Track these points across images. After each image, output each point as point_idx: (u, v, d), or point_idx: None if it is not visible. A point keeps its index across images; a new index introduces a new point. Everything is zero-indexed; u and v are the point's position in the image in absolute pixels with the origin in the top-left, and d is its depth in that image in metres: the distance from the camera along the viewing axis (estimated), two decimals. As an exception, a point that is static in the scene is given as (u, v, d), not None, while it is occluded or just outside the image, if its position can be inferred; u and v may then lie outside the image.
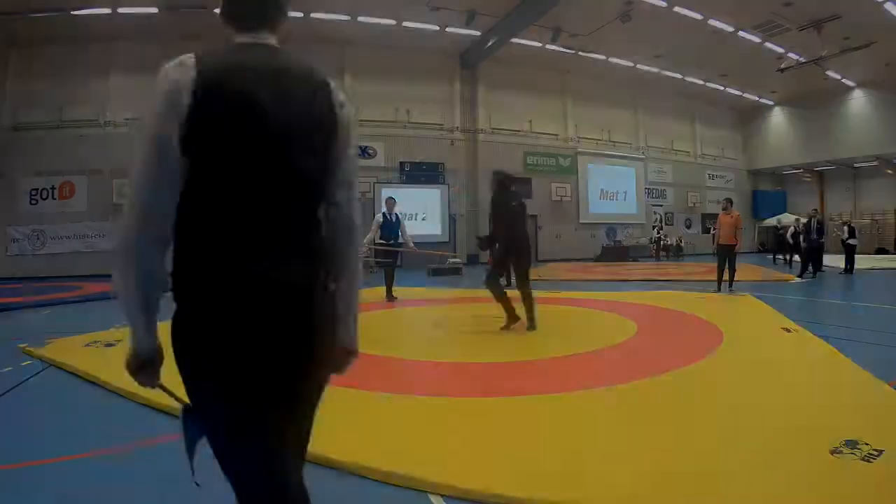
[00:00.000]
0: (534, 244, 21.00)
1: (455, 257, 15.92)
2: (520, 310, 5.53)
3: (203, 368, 1.04)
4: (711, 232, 18.74)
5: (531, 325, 5.51)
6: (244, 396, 1.04)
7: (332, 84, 1.19)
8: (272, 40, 1.18)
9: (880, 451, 2.24)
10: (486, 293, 5.78)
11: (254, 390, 1.04)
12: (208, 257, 1.02)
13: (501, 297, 5.55)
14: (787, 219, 19.38)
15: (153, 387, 1.14)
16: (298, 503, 1.18)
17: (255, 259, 1.03)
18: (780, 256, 17.60)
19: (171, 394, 1.17)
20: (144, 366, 1.09)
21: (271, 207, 1.06)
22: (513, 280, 10.94)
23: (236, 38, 1.17)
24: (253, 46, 1.15)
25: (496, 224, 5.65)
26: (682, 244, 23.83)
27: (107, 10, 14.51)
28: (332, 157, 1.16)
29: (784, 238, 16.07)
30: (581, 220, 22.45)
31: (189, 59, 1.05)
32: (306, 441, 1.22)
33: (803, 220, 13.52)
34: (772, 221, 24.84)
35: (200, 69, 1.03)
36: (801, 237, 12.97)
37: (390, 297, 8.46)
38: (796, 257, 14.11)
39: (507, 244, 5.57)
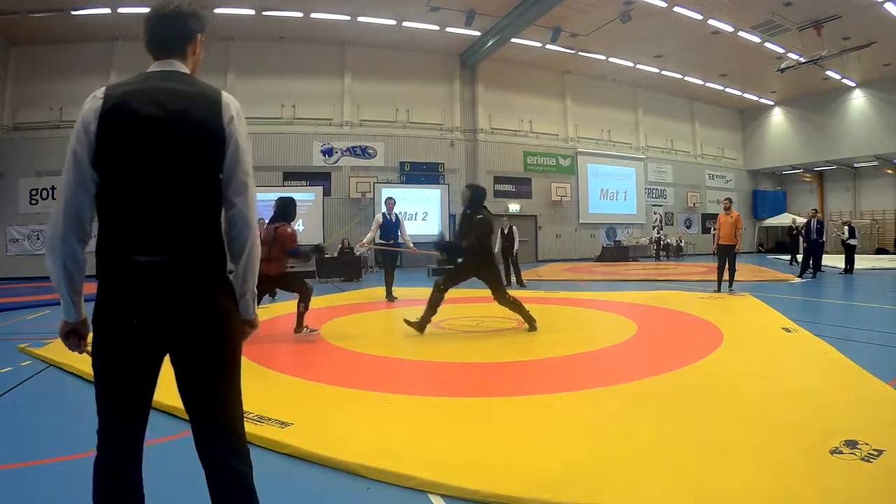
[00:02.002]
0: (534, 244, 21.03)
1: (455, 257, 15.88)
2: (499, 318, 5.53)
3: (95, 333, 1.35)
4: (712, 232, 18.67)
5: (532, 327, 5.51)
6: (110, 358, 1.33)
7: (224, 102, 1.39)
8: (179, 65, 1.44)
9: (880, 451, 2.24)
10: (485, 293, 5.77)
11: (118, 352, 1.32)
12: (109, 249, 1.31)
13: (432, 305, 5.45)
14: (802, 219, 19.19)
15: (80, 352, 1.43)
16: (231, 479, 1.41)
17: (140, 251, 1.30)
18: (796, 257, 15.99)
19: None
20: (71, 332, 1.40)
21: (160, 210, 1.31)
22: (513, 280, 11.02)
23: (150, 66, 1.44)
24: (157, 74, 1.40)
25: (461, 235, 5.57)
26: (682, 244, 23.84)
27: (107, 10, 14.52)
28: (226, 165, 1.37)
29: (798, 238, 15.69)
30: (581, 221, 22.45)
31: (100, 91, 1.34)
32: (224, 408, 1.43)
33: (802, 220, 13.47)
34: (785, 220, 24.80)
35: (104, 100, 1.31)
36: (802, 237, 12.91)
37: (390, 297, 8.47)
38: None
39: (467, 258, 5.44)
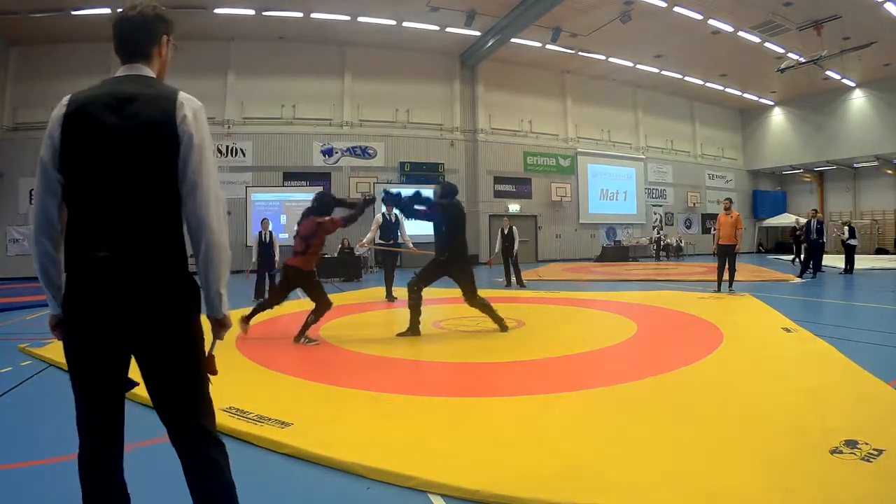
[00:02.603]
0: (534, 244, 21.02)
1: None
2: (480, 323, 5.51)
3: (65, 326, 1.42)
4: (712, 232, 18.68)
5: (502, 328, 5.46)
6: (74, 348, 1.41)
7: (179, 102, 1.42)
8: (143, 68, 1.50)
9: (880, 451, 2.24)
10: (485, 293, 5.76)
11: (81, 342, 1.40)
12: (72, 245, 1.40)
13: (414, 308, 5.42)
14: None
15: None
16: (204, 462, 1.46)
17: (98, 247, 1.36)
18: (800, 257, 15.30)
19: None
20: (57, 325, 1.48)
21: (116, 208, 1.36)
22: (513, 280, 11.01)
23: (118, 69, 1.50)
24: (120, 79, 1.47)
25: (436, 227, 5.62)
26: (682, 244, 23.84)
27: (107, 10, 14.51)
28: (179, 163, 1.39)
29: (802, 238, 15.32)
30: (581, 221, 22.45)
31: (66, 98, 1.42)
32: (190, 404, 1.47)
33: (803, 221, 13.45)
34: (785, 220, 24.81)
35: (67, 107, 1.40)
36: (802, 238, 12.88)
37: (390, 297, 8.47)
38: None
39: (438, 254, 5.44)
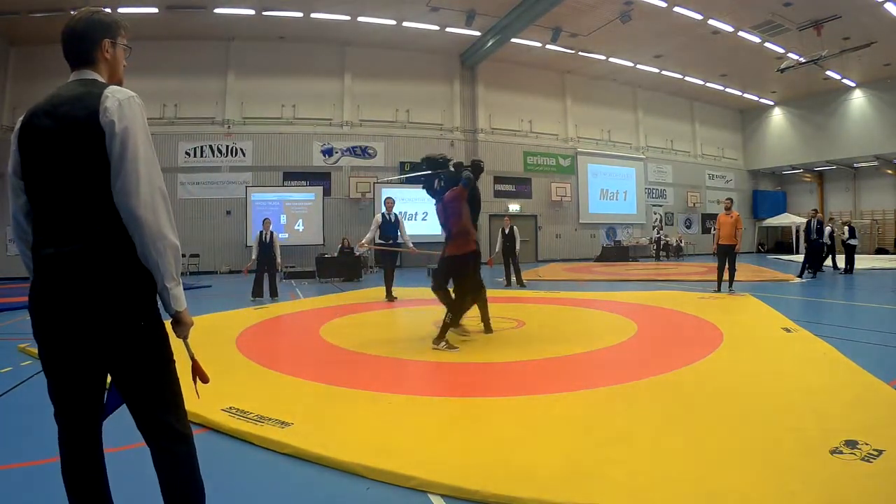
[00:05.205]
0: (534, 244, 21.02)
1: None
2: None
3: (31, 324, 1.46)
4: (712, 232, 18.71)
5: (488, 329, 5.44)
6: (40, 345, 1.44)
7: (104, 97, 1.42)
8: (88, 73, 1.53)
9: (880, 451, 2.24)
10: (488, 292, 5.75)
11: (42, 341, 1.43)
12: (32, 244, 1.47)
13: (463, 309, 5.25)
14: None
15: None
16: (163, 443, 1.50)
17: (45, 244, 1.42)
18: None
19: None
20: None
21: (54, 206, 1.41)
22: (513, 280, 11.00)
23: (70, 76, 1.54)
24: (64, 85, 1.52)
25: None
26: (682, 244, 23.85)
27: (107, 11, 14.52)
28: (110, 158, 1.39)
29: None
30: (581, 221, 22.46)
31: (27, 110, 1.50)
32: (152, 398, 1.48)
33: (803, 221, 13.44)
34: (785, 220, 24.74)
35: (22, 119, 1.48)
36: (803, 238, 12.88)
37: (390, 297, 8.47)
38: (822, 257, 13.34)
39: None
